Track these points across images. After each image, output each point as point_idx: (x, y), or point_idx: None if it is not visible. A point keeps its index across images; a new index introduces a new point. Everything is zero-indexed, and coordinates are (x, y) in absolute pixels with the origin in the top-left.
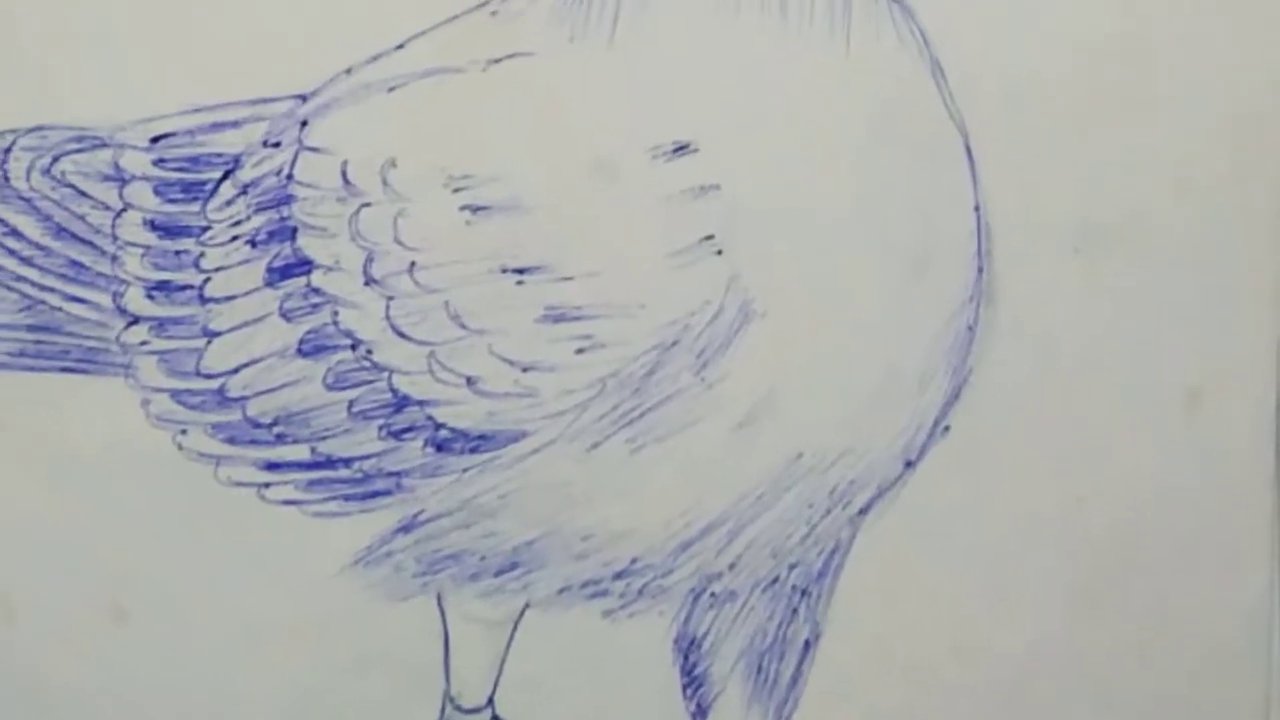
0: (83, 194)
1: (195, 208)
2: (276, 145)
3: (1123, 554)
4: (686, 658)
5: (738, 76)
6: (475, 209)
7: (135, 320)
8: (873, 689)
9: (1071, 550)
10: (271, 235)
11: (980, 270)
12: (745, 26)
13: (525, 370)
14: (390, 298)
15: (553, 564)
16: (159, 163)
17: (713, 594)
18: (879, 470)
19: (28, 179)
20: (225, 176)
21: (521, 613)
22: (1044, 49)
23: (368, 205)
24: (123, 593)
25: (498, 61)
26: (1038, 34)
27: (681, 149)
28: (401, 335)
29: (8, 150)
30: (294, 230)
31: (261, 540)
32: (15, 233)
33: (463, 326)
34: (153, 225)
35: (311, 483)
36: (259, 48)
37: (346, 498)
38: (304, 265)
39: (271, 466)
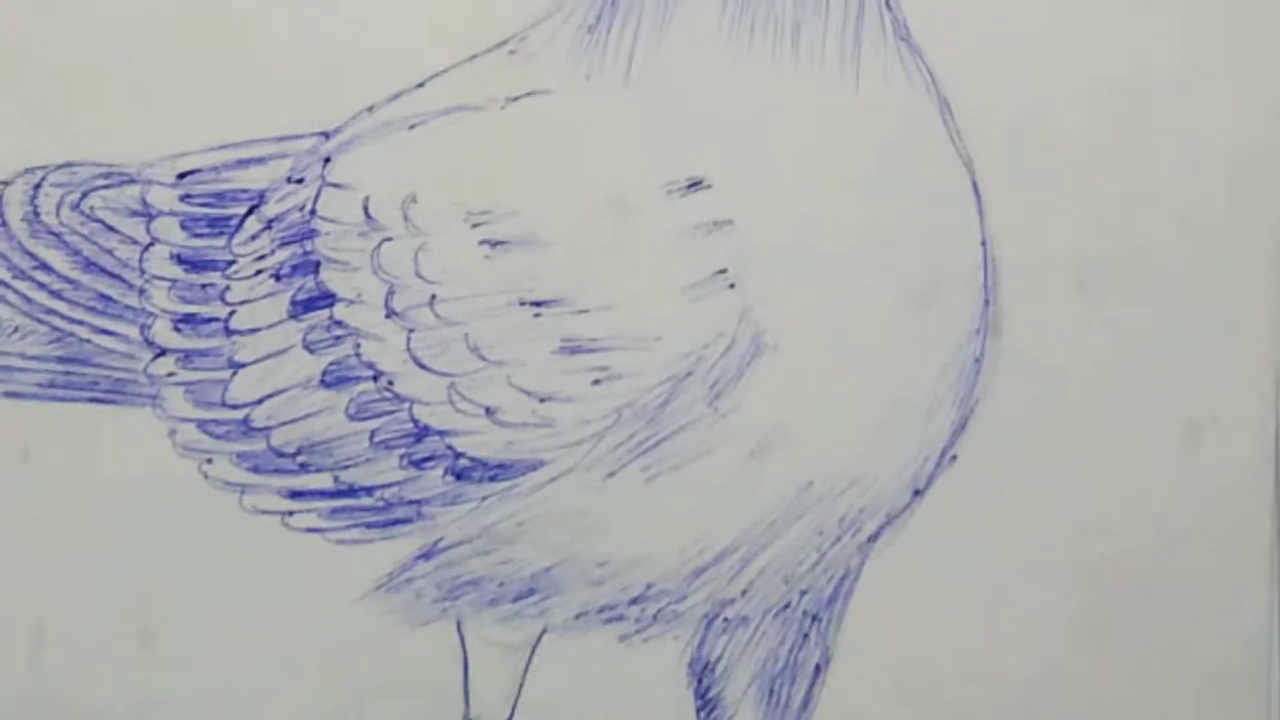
0: (111, 229)
1: (221, 242)
2: (300, 181)
3: (1126, 581)
4: (700, 681)
5: (750, 114)
6: (494, 243)
7: (162, 352)
8: (882, 713)
9: (1076, 577)
10: (295, 269)
11: (986, 303)
12: (758, 65)
13: (543, 401)
14: (411, 330)
15: (570, 590)
16: (185, 198)
17: (726, 619)
18: (888, 499)
19: (57, 214)
20: (250, 212)
21: (539, 637)
22: (1049, 89)
23: (389, 240)
24: (149, 618)
25: (516, 99)
26: (1043, 74)
27: (695, 185)
28: (422, 366)
29: (37, 186)
30: (317, 264)
31: (285, 567)
32: (45, 266)
33: (482, 358)
34: (179, 259)
35: (334, 510)
36: (283, 86)
37: (368, 525)
38: (327, 298)
39: (295, 495)
